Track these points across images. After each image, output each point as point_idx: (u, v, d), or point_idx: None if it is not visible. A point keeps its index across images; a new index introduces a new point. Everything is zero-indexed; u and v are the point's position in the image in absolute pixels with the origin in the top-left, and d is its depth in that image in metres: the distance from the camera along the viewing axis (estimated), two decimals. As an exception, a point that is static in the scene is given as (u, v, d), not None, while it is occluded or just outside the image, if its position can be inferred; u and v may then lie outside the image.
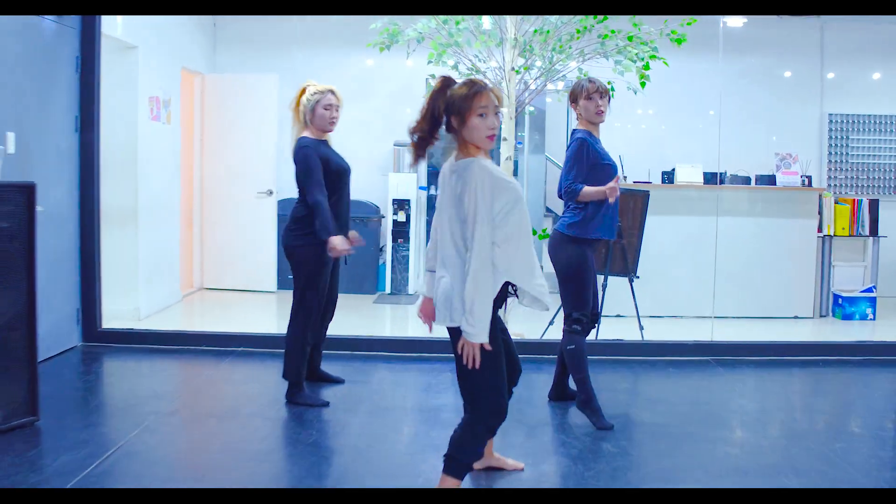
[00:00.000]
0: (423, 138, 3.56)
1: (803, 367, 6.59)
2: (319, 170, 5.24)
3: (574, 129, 5.28)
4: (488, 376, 3.56)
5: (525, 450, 4.55)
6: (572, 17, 6.55)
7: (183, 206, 9.20)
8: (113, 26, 7.03)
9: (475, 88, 3.50)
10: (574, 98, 5.23)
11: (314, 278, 5.30)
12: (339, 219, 5.36)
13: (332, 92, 5.41)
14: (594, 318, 5.33)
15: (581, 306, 5.14)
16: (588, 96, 5.16)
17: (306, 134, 5.38)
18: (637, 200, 7.39)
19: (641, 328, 7.06)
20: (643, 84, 6.64)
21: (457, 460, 3.65)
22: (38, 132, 6.06)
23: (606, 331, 6.98)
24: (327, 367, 5.90)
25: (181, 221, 9.15)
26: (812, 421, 5.39)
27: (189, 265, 9.53)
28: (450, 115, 3.52)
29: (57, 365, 6.13)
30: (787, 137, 9.79)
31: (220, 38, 9.79)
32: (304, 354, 5.36)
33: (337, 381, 5.80)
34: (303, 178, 5.24)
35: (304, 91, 5.40)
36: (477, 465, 4.19)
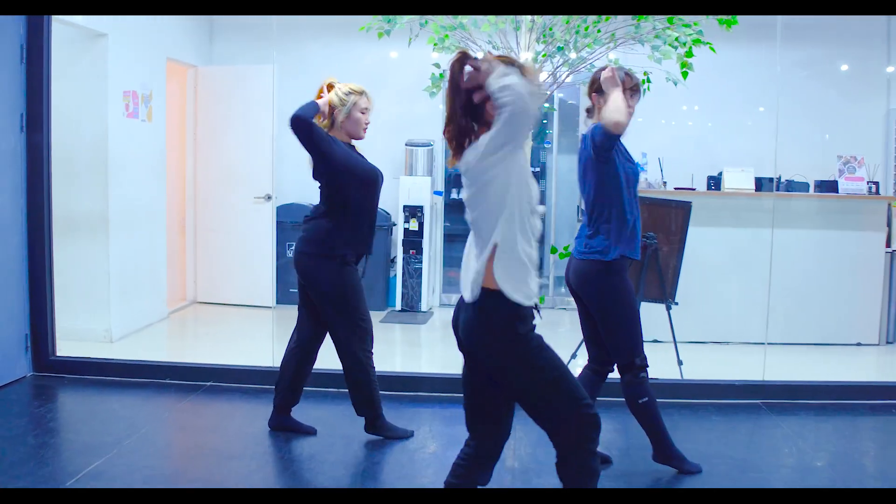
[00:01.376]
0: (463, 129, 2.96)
1: (873, 415, 5.53)
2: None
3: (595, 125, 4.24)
4: (557, 391, 3.00)
5: None
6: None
7: (174, 212, 8.36)
8: (69, 10, 6.16)
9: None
10: (599, 88, 4.21)
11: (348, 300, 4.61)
12: (366, 234, 4.65)
13: (365, 94, 4.67)
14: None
15: (641, 347, 4.25)
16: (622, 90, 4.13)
17: (333, 136, 4.59)
18: (677, 213, 6.32)
19: (680, 363, 6.03)
20: (685, 74, 5.68)
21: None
22: (-29, 132, 5.21)
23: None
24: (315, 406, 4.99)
25: (173, 229, 8.31)
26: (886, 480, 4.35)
27: (182, 277, 8.68)
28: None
29: (-5, 401, 5.27)
30: (849, 138, 8.67)
31: (217, 27, 8.91)
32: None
33: (308, 431, 4.85)
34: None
35: (330, 87, 4.63)
36: None
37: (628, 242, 4.17)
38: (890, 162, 8.89)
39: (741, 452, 4.84)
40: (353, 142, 4.69)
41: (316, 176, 4.61)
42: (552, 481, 3.21)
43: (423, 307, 8.40)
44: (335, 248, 4.52)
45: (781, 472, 4.54)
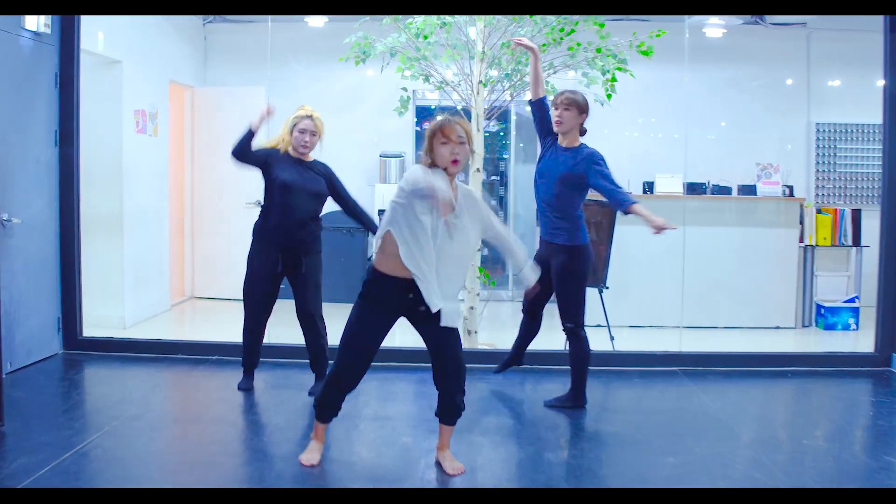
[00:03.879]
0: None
1: (770, 378, 6.65)
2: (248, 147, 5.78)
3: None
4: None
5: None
6: (541, 29, 6.66)
7: (174, 217, 9.38)
8: (93, 42, 7.22)
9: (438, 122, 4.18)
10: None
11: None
12: (284, 232, 5.77)
13: (311, 118, 5.72)
14: None
15: (583, 314, 5.62)
16: (553, 105, 5.48)
17: (280, 147, 5.76)
18: (606, 211, 7.47)
19: (612, 339, 7.15)
20: (609, 96, 6.74)
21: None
22: (18, 146, 6.23)
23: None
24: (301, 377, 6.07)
25: (173, 231, 9.33)
26: (761, 430, 5.48)
27: (181, 274, 9.70)
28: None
29: (34, 372, 6.28)
30: (773, 147, 9.87)
31: (211, 51, 9.97)
32: None
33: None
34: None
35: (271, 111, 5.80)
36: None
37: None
38: (812, 168, 10.08)
39: (653, 405, 5.95)
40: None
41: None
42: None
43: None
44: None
45: (683, 416, 5.65)
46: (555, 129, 5.49)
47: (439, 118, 4.22)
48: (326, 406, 4.47)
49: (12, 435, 4.81)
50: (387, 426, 5.25)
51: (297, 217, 5.68)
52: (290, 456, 4.61)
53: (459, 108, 6.99)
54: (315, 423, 4.54)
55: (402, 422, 5.37)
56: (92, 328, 7.19)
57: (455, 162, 4.10)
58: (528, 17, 6.59)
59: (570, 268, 5.43)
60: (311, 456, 4.50)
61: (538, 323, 5.91)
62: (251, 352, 5.95)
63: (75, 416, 5.33)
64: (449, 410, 4.42)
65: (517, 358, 6.03)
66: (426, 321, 4.22)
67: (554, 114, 5.45)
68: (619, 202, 5.32)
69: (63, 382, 6.18)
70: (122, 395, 5.88)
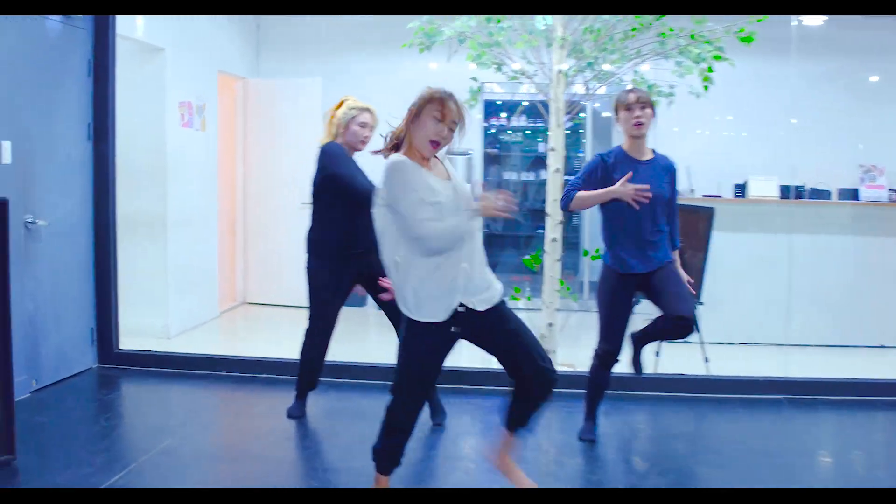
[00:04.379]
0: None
1: (891, 410, 5.81)
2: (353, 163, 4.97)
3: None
4: None
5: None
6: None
7: (225, 217, 8.78)
8: (131, 27, 6.61)
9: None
10: (616, 111, 4.73)
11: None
12: (357, 244, 5.00)
13: (369, 111, 5.05)
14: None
15: (602, 339, 4.82)
16: (627, 107, 4.64)
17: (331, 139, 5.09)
18: (700, 219, 6.66)
19: (706, 361, 6.36)
20: (706, 87, 5.97)
21: None
22: (45, 140, 5.65)
23: (668, 363, 6.31)
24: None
25: (223, 232, 8.74)
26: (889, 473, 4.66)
27: (232, 278, 9.10)
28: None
29: (63, 390, 5.70)
30: (873, 147, 8.92)
31: (264, 41, 9.34)
32: None
33: None
34: (335, 169, 4.95)
35: (341, 104, 5.06)
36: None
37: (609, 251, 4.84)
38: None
39: (761, 442, 5.14)
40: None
41: None
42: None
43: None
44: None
45: (799, 460, 4.85)
46: (633, 133, 4.67)
47: (436, 90, 3.62)
48: (392, 458, 3.79)
49: (25, 471, 4.23)
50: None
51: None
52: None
53: (537, 101, 6.25)
54: (377, 476, 3.83)
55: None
56: (132, 339, 6.60)
57: (435, 144, 3.56)
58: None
59: None
60: None
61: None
62: (313, 371, 5.27)
63: (100, 447, 4.67)
64: (546, 387, 3.71)
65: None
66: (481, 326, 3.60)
67: (631, 115, 4.64)
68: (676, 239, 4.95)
69: (92, 404, 5.58)
70: (156, 420, 5.26)
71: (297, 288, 8.97)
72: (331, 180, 4.97)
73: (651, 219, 4.65)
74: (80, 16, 5.85)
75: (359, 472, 4.19)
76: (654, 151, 4.80)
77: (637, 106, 4.61)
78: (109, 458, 4.51)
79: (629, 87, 4.83)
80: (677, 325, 4.60)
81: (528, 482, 3.84)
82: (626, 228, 4.67)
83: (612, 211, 4.69)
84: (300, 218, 8.86)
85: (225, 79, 8.57)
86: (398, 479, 3.91)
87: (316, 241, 5.19)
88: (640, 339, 4.90)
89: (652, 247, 4.68)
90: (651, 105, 4.67)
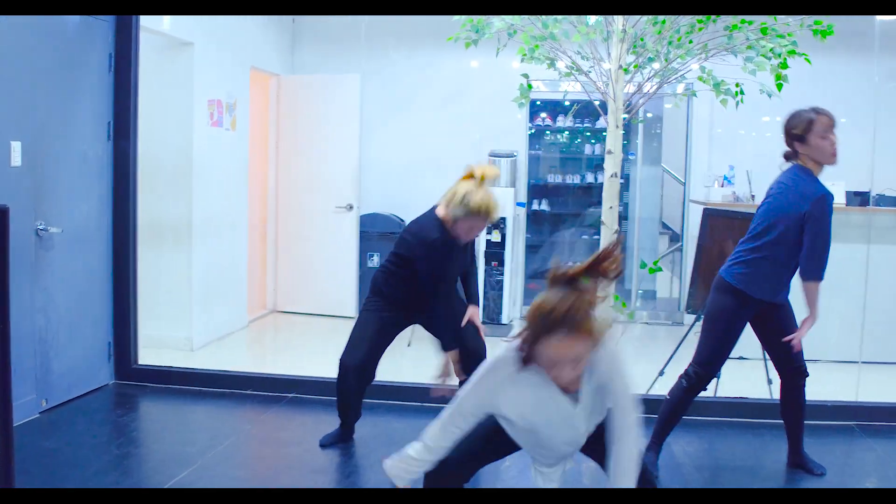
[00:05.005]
0: None
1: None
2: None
3: (799, 171, 4.37)
4: None
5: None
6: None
7: (256, 221, 8.37)
8: (157, 21, 6.17)
9: None
10: (800, 135, 4.33)
11: None
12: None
13: (489, 216, 4.35)
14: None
15: (704, 361, 4.43)
16: (823, 134, 4.31)
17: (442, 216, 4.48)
18: (740, 223, 6.12)
19: (770, 382, 5.81)
20: (780, 86, 5.47)
21: None
22: (60, 139, 5.24)
23: (728, 385, 5.77)
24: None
25: (254, 238, 8.32)
26: None
27: (262, 286, 8.68)
28: None
29: (75, 410, 5.29)
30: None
31: (299, 36, 8.92)
32: None
33: None
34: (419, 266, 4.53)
35: (469, 176, 4.37)
36: None
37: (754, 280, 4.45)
38: None
39: (832, 475, 4.61)
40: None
41: None
42: None
43: (504, 319, 8.27)
44: None
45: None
46: (831, 162, 4.38)
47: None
48: None
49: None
50: None
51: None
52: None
53: (596, 102, 5.76)
54: None
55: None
56: (153, 352, 6.23)
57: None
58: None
59: None
60: None
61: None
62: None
63: (106, 481, 4.23)
64: None
65: None
66: None
67: (829, 140, 4.33)
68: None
69: (104, 427, 5.14)
70: (172, 448, 4.79)
71: (329, 296, 8.63)
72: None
73: None
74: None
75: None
76: None
77: (833, 131, 4.30)
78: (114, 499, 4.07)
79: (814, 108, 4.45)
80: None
81: None
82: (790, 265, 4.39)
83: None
84: (336, 222, 8.50)
85: (257, 75, 8.13)
86: None
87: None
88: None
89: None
90: None
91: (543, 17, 5.59)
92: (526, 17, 5.64)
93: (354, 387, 4.72)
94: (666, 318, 8.70)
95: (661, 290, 9.22)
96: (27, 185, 4.92)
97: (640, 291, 9.00)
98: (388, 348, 4.77)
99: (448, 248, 4.43)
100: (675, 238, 9.00)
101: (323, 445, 4.79)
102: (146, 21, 5.89)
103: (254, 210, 8.25)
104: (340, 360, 4.69)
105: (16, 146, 4.80)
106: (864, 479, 4.66)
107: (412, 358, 6.66)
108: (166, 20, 6.32)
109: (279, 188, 8.73)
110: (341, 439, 4.84)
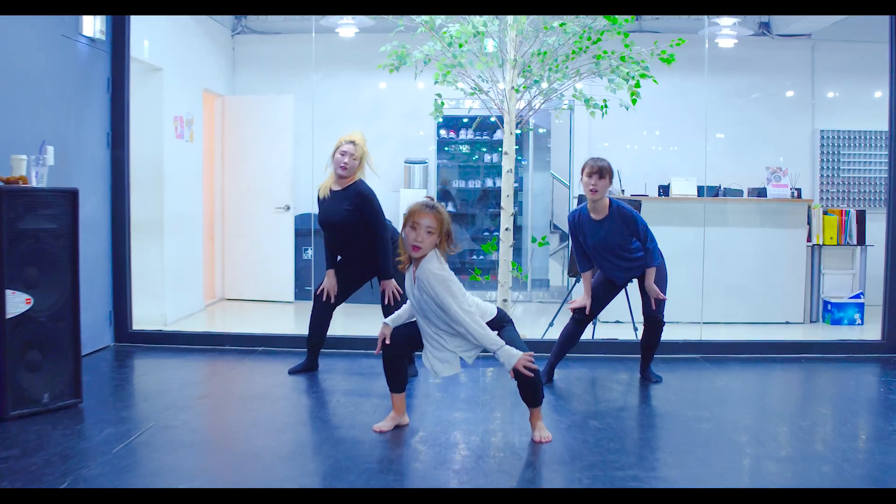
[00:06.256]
0: None
1: (786, 364, 7.03)
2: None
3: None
4: None
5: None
6: (569, 38, 7.06)
7: (205, 221, 9.74)
8: (140, 49, 7.58)
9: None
10: (581, 173, 5.80)
11: None
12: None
13: (340, 139, 6.18)
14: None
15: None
16: (589, 174, 5.68)
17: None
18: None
19: (636, 329, 7.51)
20: (634, 101, 7.12)
21: None
22: (75, 146, 6.58)
23: (605, 332, 7.50)
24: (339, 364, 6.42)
25: (205, 235, 9.69)
26: (782, 402, 5.92)
27: (211, 276, 10.05)
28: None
29: (93, 360, 6.61)
30: (780, 153, 10.34)
31: (239, 60, 10.36)
32: None
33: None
34: None
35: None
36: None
37: None
38: (816, 173, 10.50)
39: (678, 384, 6.31)
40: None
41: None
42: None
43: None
44: None
45: (710, 392, 6.03)
46: (589, 197, 5.72)
47: (418, 204, 4.64)
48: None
49: (91, 410, 5.16)
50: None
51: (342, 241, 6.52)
52: (357, 426, 4.95)
53: (492, 119, 7.35)
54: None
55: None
56: (137, 323, 7.50)
57: (416, 248, 4.54)
58: (556, 26, 6.97)
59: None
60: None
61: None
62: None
63: (142, 396, 5.69)
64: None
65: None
66: None
67: (589, 182, 5.64)
68: (648, 260, 5.93)
69: (122, 369, 6.52)
70: (183, 379, 6.22)
71: (270, 284, 10.08)
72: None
73: (617, 256, 5.91)
74: (102, 39, 6.82)
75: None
76: (610, 206, 5.79)
77: (595, 176, 5.63)
78: (160, 401, 5.50)
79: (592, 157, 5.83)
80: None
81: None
82: (603, 266, 5.98)
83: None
84: (275, 221, 9.95)
85: (207, 95, 9.56)
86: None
87: None
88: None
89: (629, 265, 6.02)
90: (608, 174, 5.64)
91: (454, 49, 7.15)
92: (439, 48, 7.19)
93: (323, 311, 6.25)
94: (555, 300, 10.37)
95: (553, 280, 10.90)
96: (58, 182, 6.25)
97: (533, 280, 10.65)
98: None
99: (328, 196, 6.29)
100: (564, 238, 10.64)
101: (291, 373, 6.28)
102: (132, 50, 7.24)
103: (205, 211, 9.63)
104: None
105: (50, 150, 6.15)
106: (702, 387, 6.35)
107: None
108: (145, 49, 7.73)
109: (225, 192, 10.17)
110: (307, 368, 6.34)
